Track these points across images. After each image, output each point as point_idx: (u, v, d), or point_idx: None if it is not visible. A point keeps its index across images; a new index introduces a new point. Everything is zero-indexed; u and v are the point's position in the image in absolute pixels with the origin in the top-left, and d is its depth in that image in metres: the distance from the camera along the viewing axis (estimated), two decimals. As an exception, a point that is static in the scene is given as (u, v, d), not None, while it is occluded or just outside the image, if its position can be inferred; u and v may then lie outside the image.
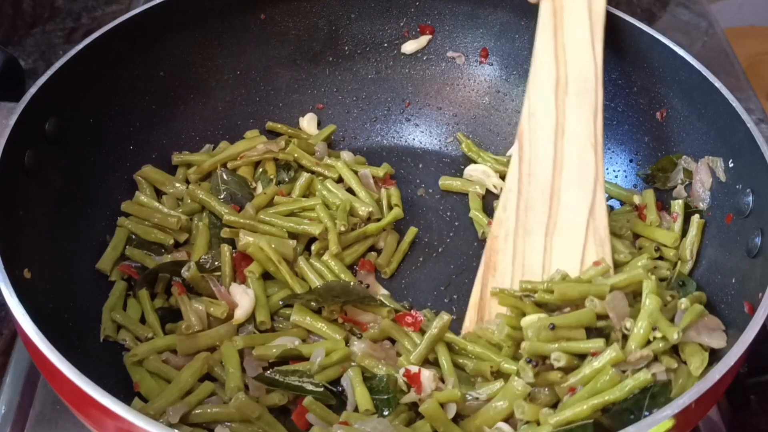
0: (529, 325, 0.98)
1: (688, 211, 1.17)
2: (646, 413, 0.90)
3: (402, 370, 1.02)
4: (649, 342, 1.01)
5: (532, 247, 1.07)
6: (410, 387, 1.01)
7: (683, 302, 1.02)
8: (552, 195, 1.07)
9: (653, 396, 0.93)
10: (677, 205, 1.18)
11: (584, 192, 1.07)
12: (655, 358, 0.99)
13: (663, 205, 1.21)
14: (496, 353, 1.02)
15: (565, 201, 1.07)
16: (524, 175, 1.09)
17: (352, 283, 1.11)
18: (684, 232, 1.16)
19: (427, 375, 1.01)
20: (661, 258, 1.16)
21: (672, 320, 1.03)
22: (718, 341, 0.98)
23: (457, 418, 1.00)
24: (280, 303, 1.11)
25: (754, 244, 1.01)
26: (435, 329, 1.04)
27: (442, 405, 0.98)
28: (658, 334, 0.99)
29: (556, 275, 1.05)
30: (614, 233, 1.16)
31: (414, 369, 1.01)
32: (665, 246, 1.15)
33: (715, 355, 0.99)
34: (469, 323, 1.09)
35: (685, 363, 0.98)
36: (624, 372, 0.99)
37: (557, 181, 1.07)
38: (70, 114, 1.11)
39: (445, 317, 1.05)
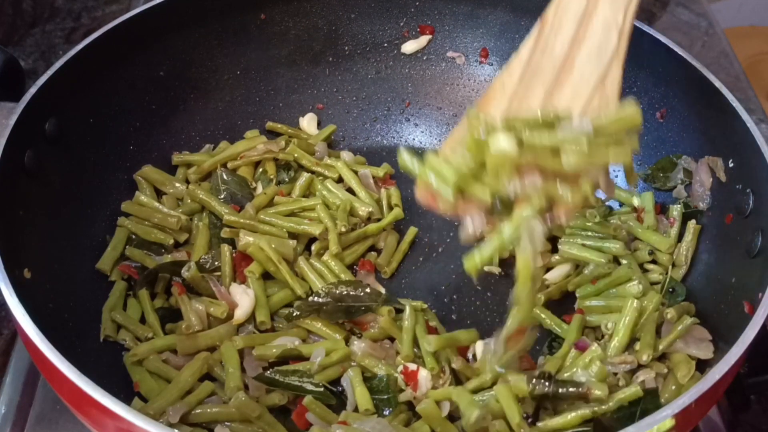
0: (494, 142, 0.88)
1: (688, 211, 1.17)
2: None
3: (400, 368, 1.03)
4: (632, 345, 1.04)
5: (529, 103, 1.00)
6: (407, 385, 1.01)
7: (669, 312, 1.03)
8: (563, 65, 1.01)
9: (644, 412, 0.94)
10: (675, 210, 1.18)
11: (599, 63, 1.00)
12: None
13: (662, 208, 1.21)
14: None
15: (577, 71, 1.01)
16: (539, 48, 1.03)
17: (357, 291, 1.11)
18: (680, 236, 1.16)
19: (424, 375, 1.01)
20: (654, 262, 1.16)
21: (660, 327, 1.04)
22: (705, 352, 1.00)
23: (453, 419, 1.00)
24: (294, 313, 1.09)
25: (754, 244, 1.01)
26: (407, 321, 1.06)
27: (438, 403, 0.99)
28: (637, 347, 1.02)
29: (545, 113, 0.94)
30: (610, 234, 1.17)
31: (412, 367, 1.02)
32: (659, 251, 1.15)
33: (702, 364, 1.01)
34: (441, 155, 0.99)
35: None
36: (615, 374, 1.00)
37: (572, 54, 1.01)
38: (70, 114, 1.11)
39: (407, 309, 1.08)
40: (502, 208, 0.88)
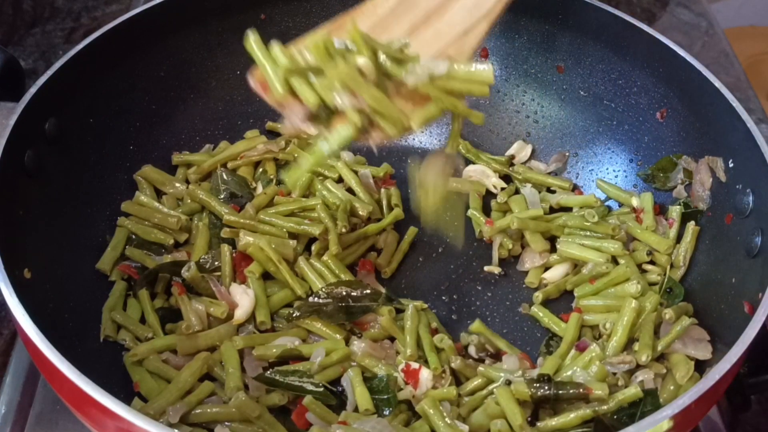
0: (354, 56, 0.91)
1: (688, 211, 1.17)
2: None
3: (401, 365, 1.03)
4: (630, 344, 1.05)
5: (391, 32, 1.01)
6: (407, 383, 1.01)
7: (668, 312, 1.04)
8: (437, 9, 1.03)
9: (644, 412, 0.94)
10: (674, 211, 1.18)
11: (470, 17, 1.02)
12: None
13: (661, 209, 1.21)
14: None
15: (447, 17, 1.03)
16: None
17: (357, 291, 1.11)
18: (679, 237, 1.16)
19: (426, 374, 1.01)
20: (652, 263, 1.16)
21: (658, 327, 1.05)
22: (703, 353, 1.01)
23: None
24: (294, 314, 1.09)
25: (754, 244, 1.01)
26: (409, 322, 1.07)
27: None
28: (636, 347, 1.02)
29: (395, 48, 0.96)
30: (609, 233, 1.17)
31: (415, 365, 1.02)
32: (658, 251, 1.15)
33: (701, 365, 1.01)
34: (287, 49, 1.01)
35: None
36: (614, 374, 1.01)
37: (449, 1, 1.04)
38: (70, 114, 1.11)
39: (410, 309, 1.08)
40: (324, 116, 0.90)
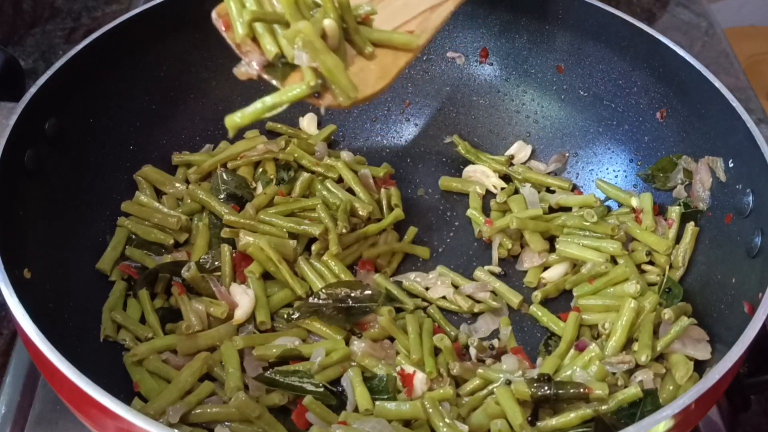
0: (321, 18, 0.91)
1: (688, 211, 1.17)
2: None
3: (398, 368, 1.03)
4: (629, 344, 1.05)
5: (354, 3, 0.99)
6: (404, 387, 1.01)
7: (667, 312, 1.04)
8: None
9: (644, 412, 0.94)
10: (674, 212, 1.18)
11: None
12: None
13: (661, 209, 1.21)
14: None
15: None
16: None
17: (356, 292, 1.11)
18: (678, 238, 1.16)
19: (420, 378, 1.01)
20: (651, 263, 1.16)
21: (658, 327, 1.05)
22: (702, 353, 1.01)
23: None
24: (294, 314, 1.09)
25: (754, 244, 1.01)
26: (412, 333, 1.07)
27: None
28: (635, 347, 1.03)
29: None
30: (608, 233, 1.17)
31: (409, 370, 1.02)
32: (657, 252, 1.15)
33: (700, 365, 1.01)
34: None
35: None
36: (614, 374, 1.01)
37: None
38: (70, 114, 1.11)
39: (426, 320, 1.09)
40: (281, 68, 0.89)
